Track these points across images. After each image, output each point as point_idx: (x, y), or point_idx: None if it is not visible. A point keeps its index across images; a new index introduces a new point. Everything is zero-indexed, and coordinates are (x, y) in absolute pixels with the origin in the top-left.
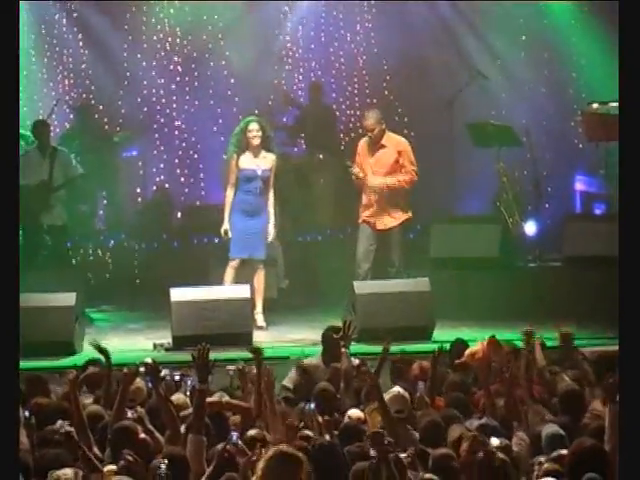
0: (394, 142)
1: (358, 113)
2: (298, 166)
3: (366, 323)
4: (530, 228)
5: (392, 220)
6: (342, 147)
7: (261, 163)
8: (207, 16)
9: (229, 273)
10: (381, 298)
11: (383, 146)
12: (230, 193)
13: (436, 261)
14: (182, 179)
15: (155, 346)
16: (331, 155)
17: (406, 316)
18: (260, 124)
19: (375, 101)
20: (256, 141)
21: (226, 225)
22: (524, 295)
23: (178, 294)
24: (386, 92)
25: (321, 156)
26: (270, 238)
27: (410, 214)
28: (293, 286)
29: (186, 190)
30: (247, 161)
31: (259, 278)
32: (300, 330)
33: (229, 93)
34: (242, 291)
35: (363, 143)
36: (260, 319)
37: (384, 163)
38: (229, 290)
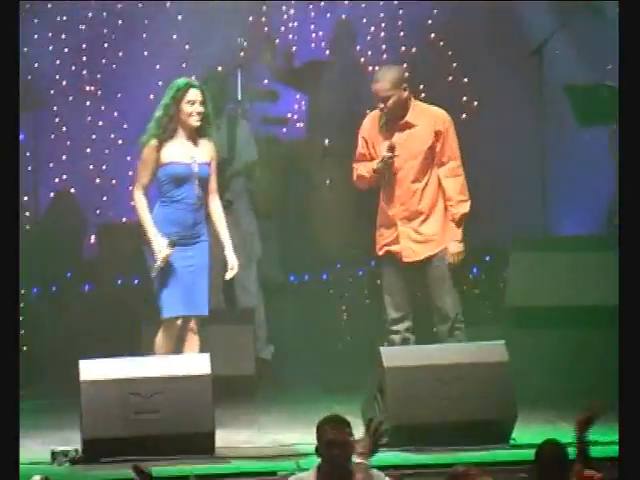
0: (428, 116)
1: None
2: (289, 158)
3: (401, 416)
4: None
5: (426, 247)
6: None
7: (197, 155)
8: None
9: (165, 338)
10: (427, 375)
11: (409, 124)
12: (142, 198)
13: (517, 313)
14: (98, 180)
15: (55, 456)
16: (344, 140)
17: (470, 405)
18: (203, 92)
19: (414, 50)
20: (195, 120)
21: (160, 239)
22: None
23: (92, 369)
24: (432, 36)
25: (327, 142)
26: (230, 275)
27: (460, 236)
28: (282, 356)
29: (104, 198)
30: (176, 151)
31: (192, 347)
32: (293, 428)
33: (174, 38)
34: (198, 364)
35: (371, 120)
36: None
37: (411, 152)
38: (176, 362)
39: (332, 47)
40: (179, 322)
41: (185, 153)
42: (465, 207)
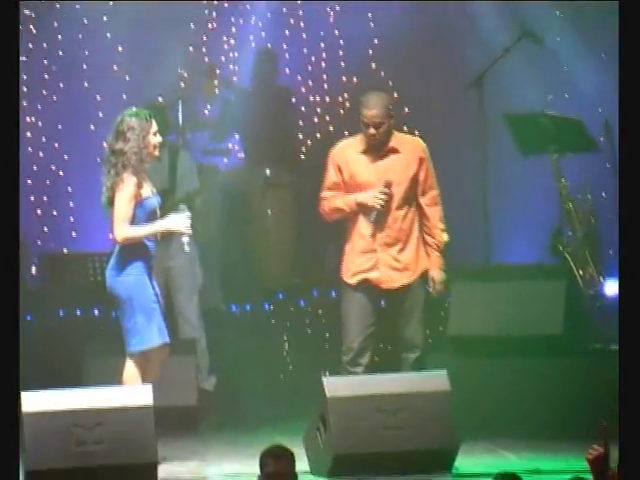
0: (410, 144)
1: (328, 100)
2: (230, 188)
3: (344, 446)
4: (611, 288)
5: (404, 275)
6: (302, 155)
7: (152, 186)
8: None
9: (132, 371)
10: (369, 405)
11: (393, 150)
12: (129, 229)
13: (458, 342)
14: (38, 211)
15: None
16: (287, 169)
17: (412, 434)
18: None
19: (356, 80)
20: (158, 151)
21: (172, 216)
22: (603, 398)
23: (34, 401)
24: (373, 65)
25: (268, 171)
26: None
27: (443, 265)
28: (224, 387)
29: (45, 229)
30: (146, 186)
31: (156, 373)
32: (236, 458)
33: (114, 69)
34: (140, 395)
35: (346, 146)
36: None
37: (396, 178)
38: (118, 394)
39: (257, 77)
40: (152, 353)
41: (149, 185)
42: (446, 236)
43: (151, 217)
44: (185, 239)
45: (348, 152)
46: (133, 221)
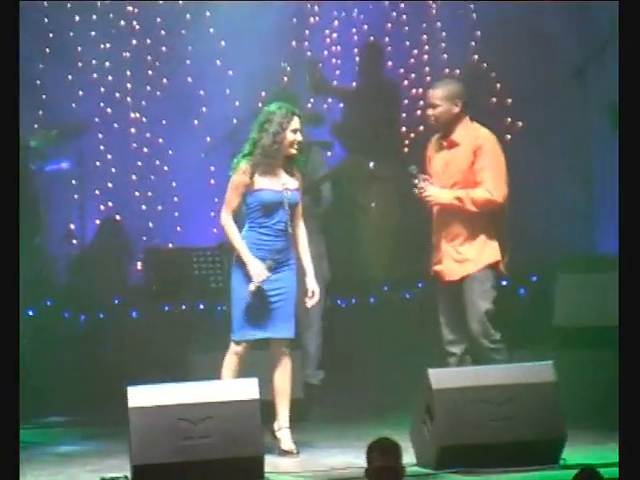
0: (471, 136)
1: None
2: (335, 181)
3: (450, 438)
4: None
5: (464, 267)
6: (406, 149)
7: (289, 181)
8: None
9: (231, 363)
10: (475, 396)
11: (454, 143)
12: (232, 223)
13: (565, 333)
14: (143, 206)
15: None
16: (390, 163)
17: (518, 425)
18: (301, 121)
19: (458, 72)
20: (295, 149)
21: (259, 262)
22: None
23: (140, 396)
24: (475, 57)
25: (372, 164)
26: (312, 302)
27: (498, 256)
28: (331, 380)
29: (150, 225)
30: (268, 178)
31: (284, 369)
32: (343, 451)
33: (217, 64)
34: (247, 389)
35: (433, 140)
36: (285, 438)
37: (453, 170)
38: (224, 387)
39: (362, 70)
40: (244, 347)
41: (277, 180)
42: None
43: (268, 210)
44: (251, 286)
45: (432, 144)
46: (242, 209)
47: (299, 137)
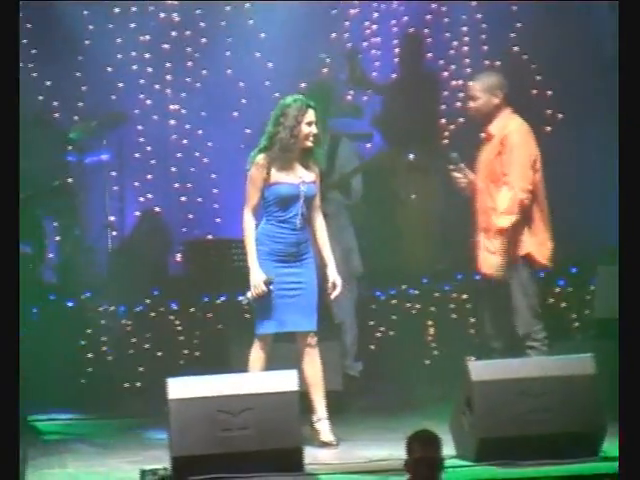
0: (500, 126)
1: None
2: (374, 172)
3: (490, 430)
4: None
5: (497, 258)
6: (445, 140)
7: (305, 174)
8: None
9: (257, 358)
10: (514, 388)
11: (489, 135)
12: (251, 222)
13: (606, 325)
14: (183, 198)
15: (144, 475)
16: (429, 154)
17: (558, 418)
18: (316, 113)
19: (499, 64)
20: (311, 142)
21: (260, 274)
22: None
23: (180, 388)
24: (516, 48)
25: (412, 156)
26: (335, 294)
27: (533, 248)
28: (369, 372)
29: (190, 216)
30: (285, 171)
31: (312, 361)
32: (382, 444)
33: (257, 56)
34: (286, 380)
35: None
36: (324, 429)
37: (485, 163)
38: (263, 379)
39: (402, 62)
40: (267, 341)
41: (294, 173)
42: (506, 221)
43: (285, 203)
44: (244, 297)
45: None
46: (261, 204)
47: (314, 130)
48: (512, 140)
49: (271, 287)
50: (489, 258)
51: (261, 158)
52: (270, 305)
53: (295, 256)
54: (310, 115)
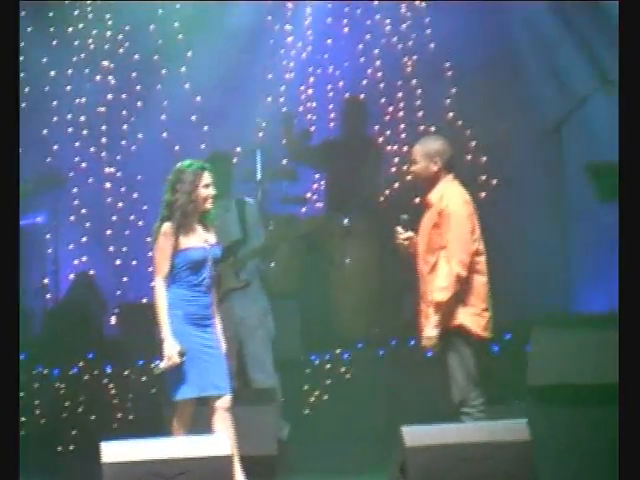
0: (437, 196)
1: (405, 149)
2: (308, 237)
3: None
4: None
5: (433, 330)
6: (382, 201)
7: (209, 237)
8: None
9: (179, 424)
10: (449, 454)
11: (429, 203)
12: (164, 291)
13: (539, 392)
14: (117, 261)
15: None
16: (365, 218)
17: None
18: (211, 175)
19: (434, 129)
20: (210, 204)
21: (174, 346)
22: None
23: (114, 451)
24: (450, 115)
25: (347, 220)
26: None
27: (467, 319)
28: (301, 436)
29: (124, 279)
30: (191, 236)
31: (229, 426)
32: None
33: (192, 120)
34: (219, 444)
35: None
36: None
37: (423, 230)
38: (197, 443)
39: (343, 126)
40: (192, 405)
41: (198, 237)
42: (442, 296)
43: (196, 267)
44: (155, 366)
45: None
46: (172, 271)
47: (212, 191)
48: (449, 213)
49: (184, 358)
50: (426, 327)
51: (168, 227)
52: (186, 369)
53: (208, 319)
54: (206, 177)
